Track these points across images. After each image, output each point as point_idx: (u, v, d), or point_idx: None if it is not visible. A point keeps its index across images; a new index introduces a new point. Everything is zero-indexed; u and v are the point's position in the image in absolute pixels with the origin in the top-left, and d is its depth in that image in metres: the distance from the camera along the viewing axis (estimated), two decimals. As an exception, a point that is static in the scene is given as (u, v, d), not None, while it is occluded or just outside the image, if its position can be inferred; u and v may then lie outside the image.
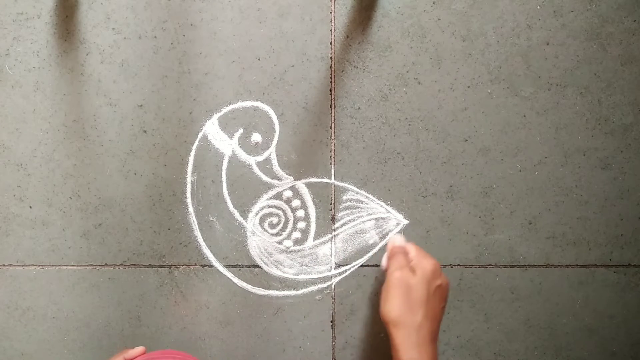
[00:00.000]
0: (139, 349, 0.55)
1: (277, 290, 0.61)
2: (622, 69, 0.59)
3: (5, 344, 0.61)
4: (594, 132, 0.60)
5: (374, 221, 0.61)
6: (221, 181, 0.60)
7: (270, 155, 0.60)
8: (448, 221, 0.61)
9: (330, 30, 0.59)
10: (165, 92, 0.59)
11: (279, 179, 0.60)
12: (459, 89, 0.59)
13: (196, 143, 0.60)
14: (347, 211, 0.61)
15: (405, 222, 0.61)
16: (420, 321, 0.50)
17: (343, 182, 0.60)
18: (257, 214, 0.60)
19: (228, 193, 0.60)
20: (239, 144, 0.60)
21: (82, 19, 0.58)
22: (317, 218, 0.61)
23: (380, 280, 0.61)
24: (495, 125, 0.60)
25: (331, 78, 0.59)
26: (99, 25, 0.58)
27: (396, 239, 0.58)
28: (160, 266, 0.61)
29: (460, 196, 0.61)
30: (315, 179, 0.60)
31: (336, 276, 0.61)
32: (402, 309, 0.51)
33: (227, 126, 0.60)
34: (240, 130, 0.60)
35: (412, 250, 0.55)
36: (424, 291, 0.51)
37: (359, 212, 0.61)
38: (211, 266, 0.61)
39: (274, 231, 0.61)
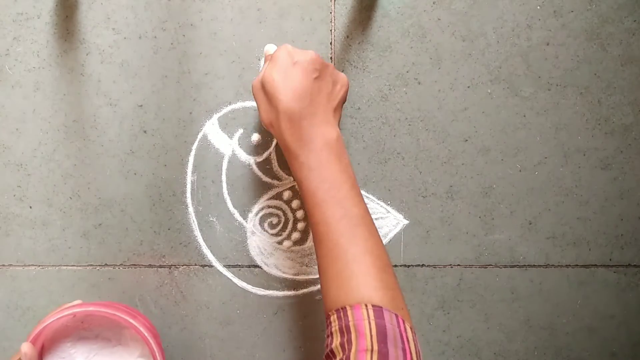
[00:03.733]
0: (75, 302, 0.56)
1: (277, 290, 0.61)
2: (622, 69, 0.59)
3: (5, 344, 0.61)
4: (594, 132, 0.60)
5: (374, 221, 0.61)
6: (221, 181, 0.60)
7: (270, 155, 0.60)
8: (448, 221, 0.61)
9: (330, 30, 0.59)
10: (165, 92, 0.59)
11: (279, 179, 0.60)
12: (459, 89, 0.59)
13: (196, 143, 0.60)
14: (347, 211, 0.61)
15: (405, 222, 0.61)
16: (279, 105, 0.46)
17: (343, 182, 0.60)
18: (257, 214, 0.60)
19: (228, 193, 0.60)
20: (239, 144, 0.60)
21: (82, 19, 0.58)
22: (317, 218, 0.61)
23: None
24: (495, 125, 0.60)
25: (331, 78, 0.59)
26: (99, 25, 0.58)
27: (269, 49, 0.55)
28: (160, 266, 0.61)
29: (460, 196, 0.61)
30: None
31: (336, 276, 0.61)
32: (263, 111, 0.48)
33: (227, 126, 0.60)
34: (240, 130, 0.60)
35: (283, 48, 0.49)
36: (272, 77, 0.47)
37: (359, 212, 0.61)
38: (211, 266, 0.61)
39: (274, 231, 0.61)
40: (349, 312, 0.42)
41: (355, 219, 0.46)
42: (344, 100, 0.51)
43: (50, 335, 0.56)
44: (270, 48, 0.55)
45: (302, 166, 0.46)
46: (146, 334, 0.53)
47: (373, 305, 0.42)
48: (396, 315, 0.42)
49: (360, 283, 0.44)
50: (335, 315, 0.43)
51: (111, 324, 0.57)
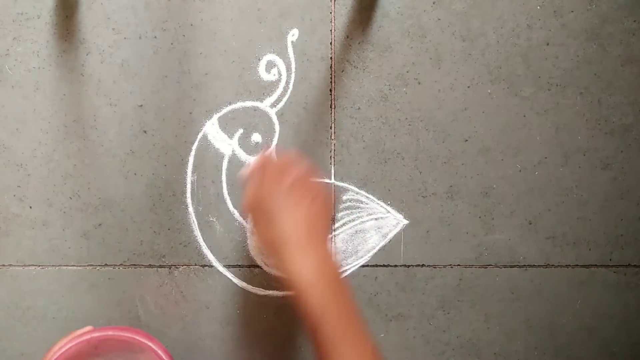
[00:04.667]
0: (87, 328, 0.55)
1: (277, 290, 0.61)
2: (622, 69, 0.59)
3: (5, 344, 0.61)
4: (594, 132, 0.60)
5: (374, 221, 0.61)
6: (221, 181, 0.60)
7: (270, 155, 0.60)
8: (448, 221, 0.61)
9: (330, 30, 0.59)
10: (165, 92, 0.59)
11: (279, 179, 0.60)
12: (459, 89, 0.59)
13: (196, 143, 0.60)
14: (347, 211, 0.61)
15: (405, 222, 0.61)
16: (279, 235, 0.46)
17: (343, 182, 0.60)
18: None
19: (228, 193, 0.60)
20: (239, 144, 0.60)
21: (82, 19, 0.58)
22: (317, 218, 0.61)
23: (374, 279, 0.61)
24: (495, 125, 0.60)
25: (331, 78, 0.59)
26: (99, 25, 0.58)
27: (243, 172, 0.54)
28: (160, 266, 0.61)
29: (460, 196, 0.61)
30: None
31: (336, 276, 0.61)
32: (261, 232, 0.47)
33: (227, 126, 0.60)
34: (240, 130, 0.60)
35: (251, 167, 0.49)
36: (270, 202, 0.47)
37: (359, 212, 0.61)
38: (211, 266, 0.61)
39: (274, 231, 0.61)
40: None
41: (369, 354, 0.45)
42: (331, 220, 0.51)
43: None
44: (245, 168, 0.53)
45: (319, 302, 0.44)
46: (164, 357, 0.53)
47: None
48: None
49: None
50: None
51: (125, 349, 0.56)
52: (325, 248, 0.48)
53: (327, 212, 0.50)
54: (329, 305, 0.44)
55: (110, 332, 0.54)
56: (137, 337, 0.54)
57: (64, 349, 0.52)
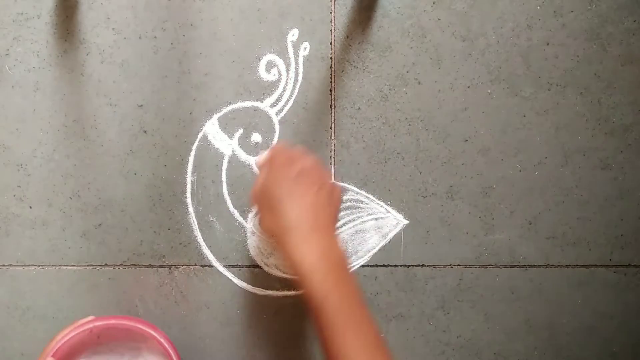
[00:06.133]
0: (89, 317, 0.55)
1: (277, 290, 0.61)
2: (622, 69, 0.59)
3: (5, 344, 0.61)
4: (594, 132, 0.60)
5: (374, 221, 0.61)
6: (221, 181, 0.60)
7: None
8: (448, 221, 0.61)
9: (330, 30, 0.59)
10: (165, 92, 0.59)
11: (279, 179, 0.60)
12: (459, 89, 0.59)
13: (196, 143, 0.60)
14: (347, 211, 0.61)
15: (405, 222, 0.61)
16: (285, 223, 0.46)
17: (343, 182, 0.60)
18: (257, 214, 0.60)
19: (228, 193, 0.60)
20: (239, 144, 0.60)
21: (82, 19, 0.58)
22: (317, 218, 0.61)
23: (381, 278, 0.61)
24: (495, 125, 0.60)
25: (331, 78, 0.59)
26: (99, 25, 0.58)
27: (258, 158, 0.55)
28: (160, 266, 0.61)
29: (460, 196, 0.61)
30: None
31: (336, 276, 0.61)
32: (267, 220, 0.48)
33: (227, 126, 0.60)
34: (240, 130, 0.60)
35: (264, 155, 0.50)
36: (275, 189, 0.48)
37: (359, 212, 0.61)
38: (211, 266, 0.61)
39: (274, 231, 0.61)
40: None
41: (373, 345, 0.45)
42: (339, 210, 0.51)
43: (67, 351, 0.54)
44: (260, 157, 0.54)
45: (321, 286, 0.45)
46: (166, 345, 0.53)
47: None
48: None
49: None
50: None
51: (127, 338, 0.57)
52: (331, 237, 0.48)
53: (335, 202, 0.50)
54: (331, 291, 0.45)
55: (112, 321, 0.54)
56: (140, 326, 0.54)
57: (66, 338, 0.52)
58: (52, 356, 0.51)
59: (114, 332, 0.57)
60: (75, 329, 0.53)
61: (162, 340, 0.54)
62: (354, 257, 0.61)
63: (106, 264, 0.61)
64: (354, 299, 0.46)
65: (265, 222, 0.50)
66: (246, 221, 0.61)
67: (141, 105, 0.59)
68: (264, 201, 0.49)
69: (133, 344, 0.57)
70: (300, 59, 0.59)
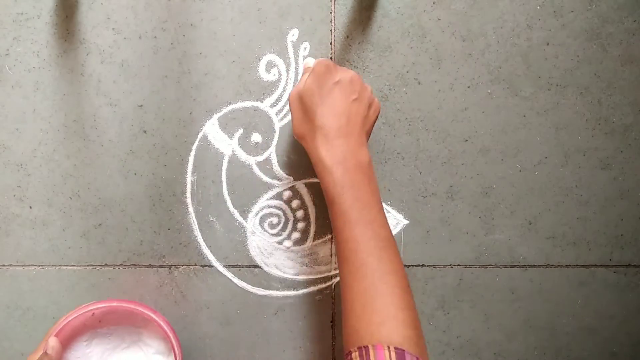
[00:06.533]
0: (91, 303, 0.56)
1: (277, 290, 0.61)
2: (622, 69, 0.59)
3: (5, 344, 0.61)
4: (594, 132, 0.60)
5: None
6: (221, 181, 0.60)
7: (270, 155, 0.60)
8: (448, 221, 0.61)
9: (330, 30, 0.59)
10: (165, 92, 0.59)
11: (278, 179, 0.60)
12: (459, 89, 0.59)
13: (196, 143, 0.60)
14: (347, 211, 0.61)
15: (405, 222, 0.61)
16: (316, 122, 0.49)
17: (343, 182, 0.60)
18: (257, 214, 0.60)
19: (228, 193, 0.60)
20: (239, 144, 0.60)
21: (82, 19, 0.58)
22: (317, 218, 0.61)
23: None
24: (495, 125, 0.60)
25: (331, 78, 0.59)
26: (99, 25, 0.58)
27: (308, 61, 0.56)
28: (160, 266, 0.61)
29: (460, 196, 0.61)
30: (315, 179, 0.60)
31: (336, 276, 0.61)
32: (299, 123, 0.50)
33: (227, 126, 0.60)
34: (240, 130, 0.60)
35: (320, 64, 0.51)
36: (313, 93, 0.49)
37: (359, 212, 0.61)
38: (211, 266, 0.61)
39: (274, 231, 0.61)
40: (371, 353, 0.42)
41: (382, 241, 0.47)
42: (374, 124, 0.53)
43: (69, 333, 0.56)
44: (309, 61, 0.56)
45: (335, 184, 0.48)
46: (166, 328, 0.54)
47: (395, 348, 0.42)
48: (417, 359, 0.43)
49: (383, 315, 0.44)
50: (357, 353, 0.43)
51: (128, 321, 0.58)
52: (357, 143, 0.49)
53: (370, 115, 0.52)
54: (346, 188, 0.47)
55: (114, 304, 0.55)
56: (140, 309, 0.55)
57: (69, 319, 0.53)
58: (56, 335, 0.52)
59: (116, 315, 0.57)
60: (77, 311, 0.54)
61: (162, 323, 0.54)
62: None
63: (106, 264, 0.61)
64: (368, 202, 0.47)
65: (297, 125, 0.51)
66: (246, 221, 0.61)
67: (141, 105, 0.59)
68: (300, 104, 0.51)
69: (134, 329, 0.58)
70: (300, 59, 0.59)
